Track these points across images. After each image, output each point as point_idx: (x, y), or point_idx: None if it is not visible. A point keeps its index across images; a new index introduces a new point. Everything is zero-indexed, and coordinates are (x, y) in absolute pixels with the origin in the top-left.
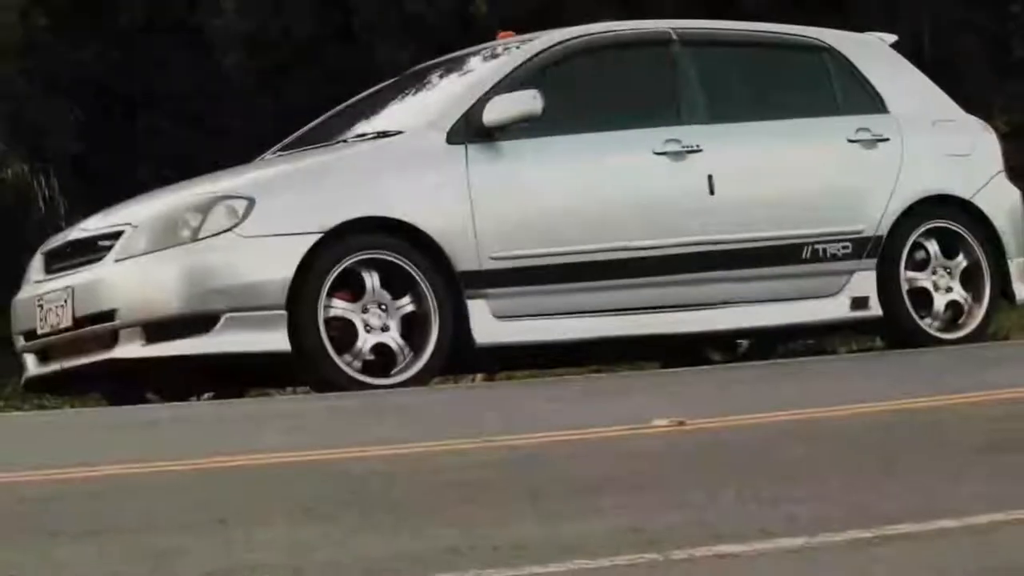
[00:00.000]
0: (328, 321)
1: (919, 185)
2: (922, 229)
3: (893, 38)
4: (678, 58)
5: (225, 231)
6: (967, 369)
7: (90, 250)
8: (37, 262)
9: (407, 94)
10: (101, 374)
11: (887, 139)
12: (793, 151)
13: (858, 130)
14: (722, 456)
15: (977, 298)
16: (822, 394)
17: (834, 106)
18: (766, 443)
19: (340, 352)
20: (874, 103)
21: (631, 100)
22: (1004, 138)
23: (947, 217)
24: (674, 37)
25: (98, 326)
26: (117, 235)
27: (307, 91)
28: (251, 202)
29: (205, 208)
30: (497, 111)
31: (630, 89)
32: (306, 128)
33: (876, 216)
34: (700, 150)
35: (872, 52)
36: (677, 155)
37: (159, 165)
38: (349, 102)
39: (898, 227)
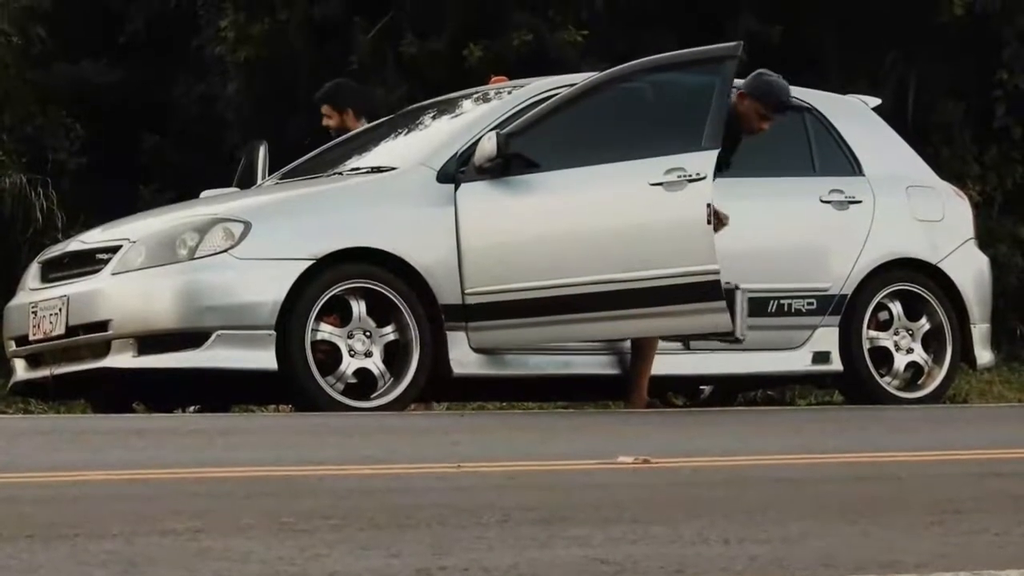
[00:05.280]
0: (314, 344)
1: (887, 248)
2: (887, 291)
3: (876, 101)
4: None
5: (221, 252)
6: (922, 427)
7: (88, 262)
8: (33, 270)
9: (401, 132)
10: (90, 382)
11: (859, 201)
12: (765, 208)
13: (831, 191)
14: (686, 494)
15: (938, 360)
16: (783, 443)
17: (810, 166)
18: (729, 485)
19: (324, 374)
20: (850, 165)
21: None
22: (976, 206)
23: (913, 280)
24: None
25: (91, 335)
26: (115, 249)
27: (306, 124)
28: (247, 226)
29: (203, 229)
30: (477, 153)
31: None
32: (304, 159)
33: (842, 275)
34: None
35: (852, 114)
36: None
37: (159, 185)
38: (345, 136)
39: (863, 287)
